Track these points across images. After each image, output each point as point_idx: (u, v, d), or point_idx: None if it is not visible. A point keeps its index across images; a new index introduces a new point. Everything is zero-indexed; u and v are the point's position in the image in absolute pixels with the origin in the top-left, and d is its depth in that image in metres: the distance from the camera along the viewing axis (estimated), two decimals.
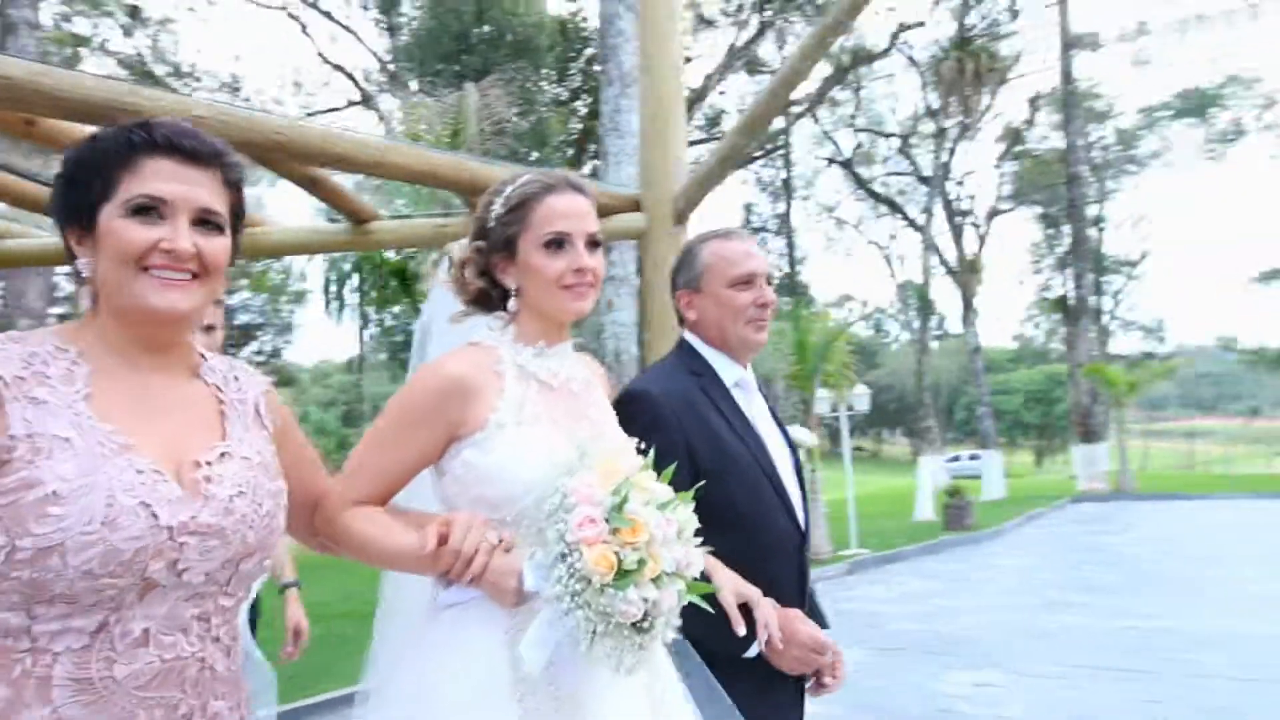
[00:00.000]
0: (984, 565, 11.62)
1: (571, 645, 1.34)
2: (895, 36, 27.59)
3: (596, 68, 20.01)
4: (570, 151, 22.62)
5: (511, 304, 1.58)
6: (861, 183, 33.13)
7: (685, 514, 1.39)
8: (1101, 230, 34.18)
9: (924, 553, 12.88)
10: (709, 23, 26.26)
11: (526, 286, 1.56)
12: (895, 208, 33.03)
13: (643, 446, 1.46)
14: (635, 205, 3.66)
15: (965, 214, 31.83)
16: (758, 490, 1.88)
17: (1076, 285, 25.93)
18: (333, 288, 13.50)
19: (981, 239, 31.95)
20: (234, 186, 1.24)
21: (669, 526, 1.35)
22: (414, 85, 20.64)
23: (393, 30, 22.90)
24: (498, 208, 1.57)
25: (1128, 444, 24.47)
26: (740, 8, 25.76)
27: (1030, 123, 31.69)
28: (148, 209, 1.15)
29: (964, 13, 27.77)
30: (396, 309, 15.74)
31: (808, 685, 1.89)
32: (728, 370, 2.00)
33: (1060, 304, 28.96)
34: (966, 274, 29.36)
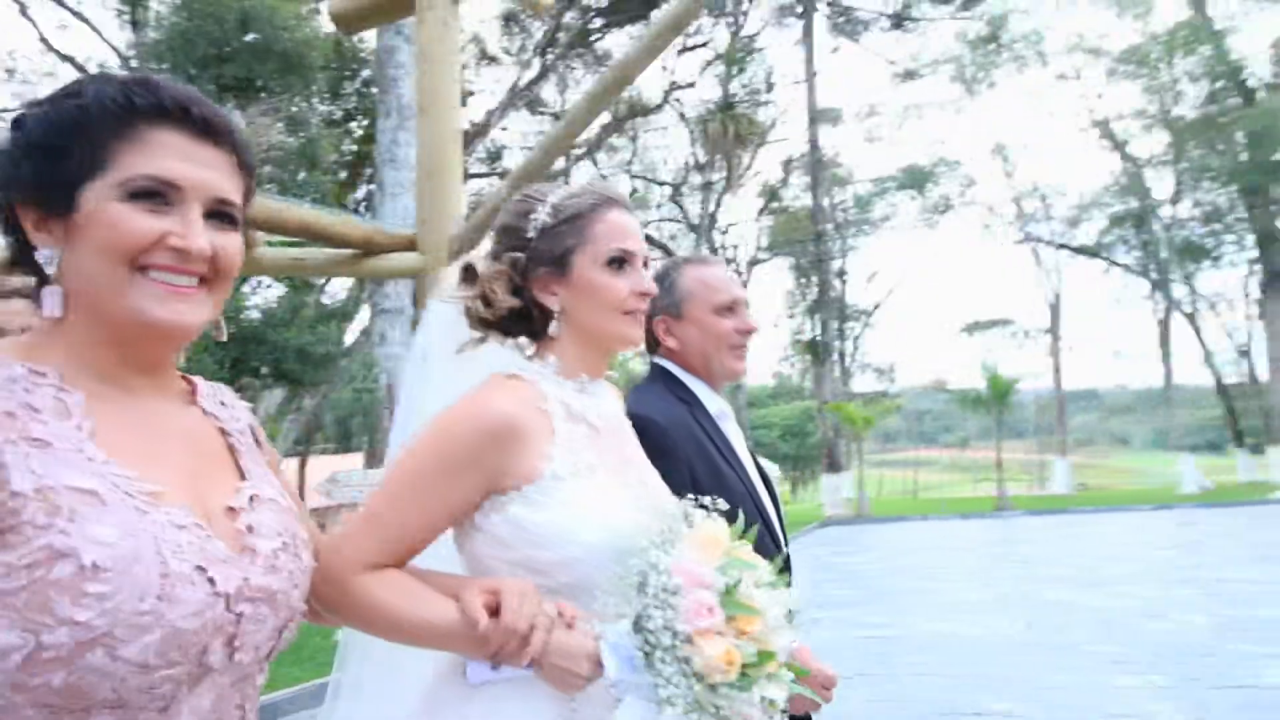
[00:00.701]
0: None
1: None
2: (668, 94, 29.44)
3: (374, 90, 19.39)
4: (344, 174, 21.63)
5: (554, 328, 1.36)
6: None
7: (789, 594, 1.24)
8: (844, 282, 38.31)
9: None
10: (492, 59, 26.47)
11: (578, 309, 1.35)
12: (668, 252, 34.90)
13: (725, 507, 1.26)
14: (411, 244, 3.65)
15: (730, 261, 34.30)
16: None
17: (823, 330, 28.85)
18: None
19: (744, 285, 34.48)
20: (249, 171, 0.99)
21: (779, 610, 1.19)
22: None
23: (136, 25, 20.69)
24: (543, 217, 1.36)
25: (866, 473, 27.41)
26: (523, 48, 26.23)
27: (784, 183, 34.98)
28: (153, 193, 0.88)
29: (727, 80, 30.23)
30: None
31: None
32: (710, 399, 1.91)
33: (811, 346, 31.98)
34: None
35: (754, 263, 35.69)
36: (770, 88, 30.68)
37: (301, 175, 17.81)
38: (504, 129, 26.76)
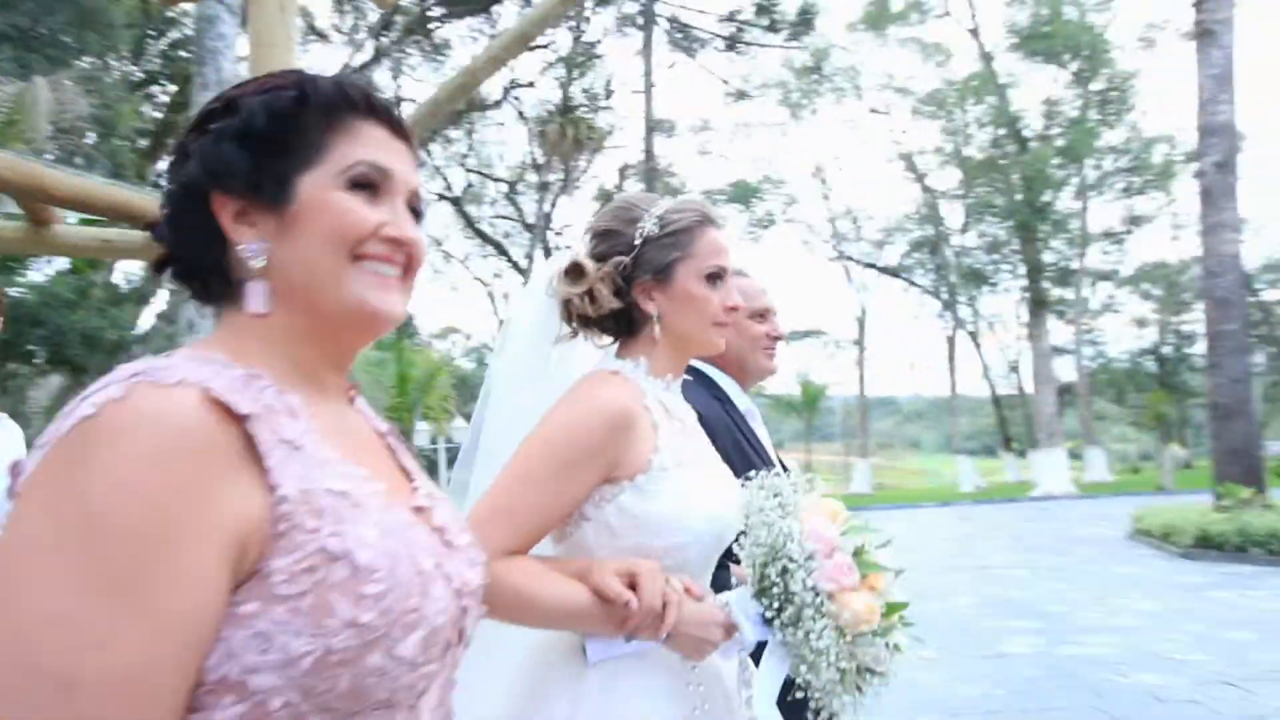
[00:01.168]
0: None
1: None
2: (508, 91, 29.26)
3: (182, 54, 17.86)
4: (145, 142, 19.79)
5: (654, 331, 1.44)
6: (469, 221, 34.12)
7: (890, 556, 1.36)
8: None
9: None
10: (322, 35, 25.14)
11: (675, 316, 1.44)
12: (500, 249, 34.56)
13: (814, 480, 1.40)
14: None
15: None
16: None
17: None
18: None
19: None
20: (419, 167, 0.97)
21: (892, 569, 1.33)
22: None
23: None
24: (650, 227, 1.44)
25: None
26: (356, 28, 25.14)
27: (620, 188, 35.71)
28: (369, 183, 0.87)
29: (568, 83, 30.51)
30: None
31: None
32: (739, 397, 2.01)
33: None
34: None
35: None
36: (609, 94, 31.27)
37: (93, 141, 16.12)
38: None
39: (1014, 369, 36.52)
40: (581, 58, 29.95)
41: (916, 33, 33.61)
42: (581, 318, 1.46)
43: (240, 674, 0.68)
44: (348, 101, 0.88)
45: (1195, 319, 29.53)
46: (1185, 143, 28.82)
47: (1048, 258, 32.09)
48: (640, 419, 1.34)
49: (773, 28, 30.26)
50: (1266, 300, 32.72)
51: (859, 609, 1.25)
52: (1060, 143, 31.32)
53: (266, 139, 0.84)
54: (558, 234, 33.82)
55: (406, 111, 3.59)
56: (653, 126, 29.19)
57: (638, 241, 1.44)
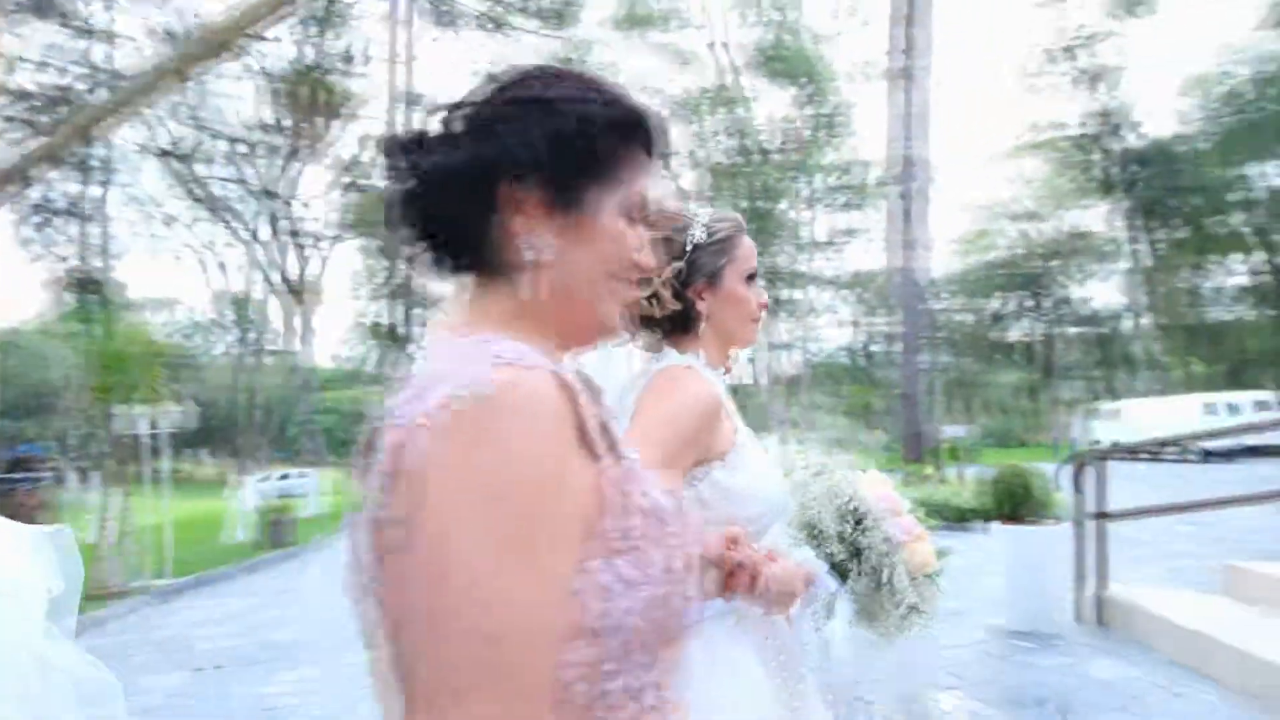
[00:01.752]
0: (305, 577, 11.97)
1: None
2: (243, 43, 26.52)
3: None
4: None
5: (702, 329, 1.60)
6: (186, 181, 30.50)
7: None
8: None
9: (244, 572, 12.59)
10: None
11: (722, 314, 1.61)
12: (222, 214, 31.30)
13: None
14: None
15: (300, 235, 32.09)
16: None
17: (405, 318, 28.76)
18: None
19: (323, 261, 32.64)
20: None
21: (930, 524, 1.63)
22: None
23: None
24: (699, 235, 1.60)
25: None
26: None
27: (358, 159, 33.79)
28: (638, 213, 0.91)
29: (311, 42, 28.31)
30: None
31: None
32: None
33: (389, 332, 31.57)
34: (300, 293, 29.53)
35: (336, 239, 33.87)
36: (367, 60, 29.51)
37: None
38: (16, 35, 21.51)
39: (750, 362, 39.94)
40: (338, 18, 27.93)
41: (670, 39, 35.41)
42: (644, 317, 1.59)
43: (590, 621, 0.77)
44: (641, 126, 0.91)
45: (891, 321, 34.19)
46: (888, 168, 33.21)
47: (780, 262, 35.46)
48: (721, 405, 1.52)
49: (537, 14, 30.33)
50: (945, 307, 38.72)
51: (926, 553, 1.54)
52: (790, 157, 34.67)
53: (575, 146, 0.86)
54: (305, 205, 31.33)
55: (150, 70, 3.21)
56: (410, 100, 27.99)
57: (689, 248, 1.61)
